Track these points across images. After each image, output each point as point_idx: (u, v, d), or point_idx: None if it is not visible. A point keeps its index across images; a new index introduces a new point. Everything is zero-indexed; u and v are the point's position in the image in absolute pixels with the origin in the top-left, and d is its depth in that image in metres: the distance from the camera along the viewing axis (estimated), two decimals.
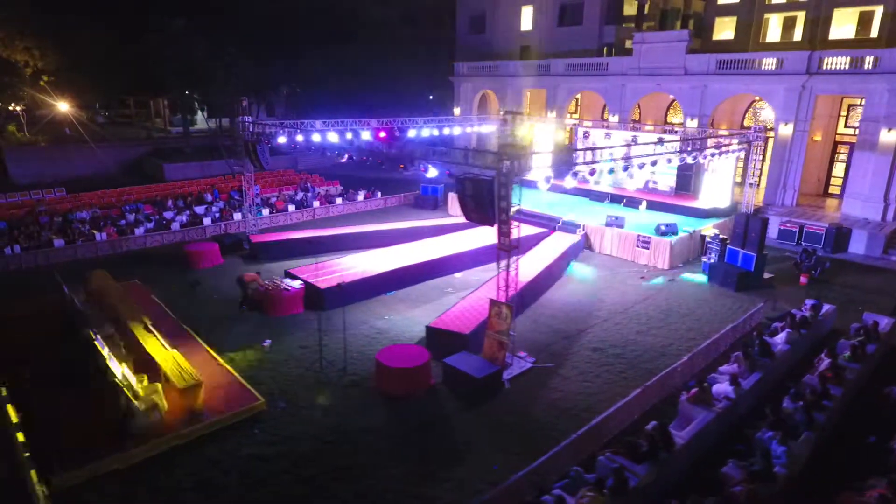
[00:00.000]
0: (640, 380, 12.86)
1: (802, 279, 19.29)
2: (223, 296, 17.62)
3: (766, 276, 19.16)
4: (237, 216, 25.86)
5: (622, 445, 9.26)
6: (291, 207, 27.65)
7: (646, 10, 41.05)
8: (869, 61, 23.44)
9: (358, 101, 42.22)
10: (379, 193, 30.99)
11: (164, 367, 11.40)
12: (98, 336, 12.51)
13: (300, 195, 30.03)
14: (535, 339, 14.87)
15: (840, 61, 24.36)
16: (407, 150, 15.38)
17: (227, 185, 31.89)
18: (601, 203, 26.98)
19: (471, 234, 22.61)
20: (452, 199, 29.05)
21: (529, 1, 40.90)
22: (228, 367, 12.81)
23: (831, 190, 29.36)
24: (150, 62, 33.98)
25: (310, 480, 9.54)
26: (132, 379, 10.98)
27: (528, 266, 18.84)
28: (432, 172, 14.91)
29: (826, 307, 15.12)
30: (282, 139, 22.27)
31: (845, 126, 28.21)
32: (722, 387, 10.97)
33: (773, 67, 26.18)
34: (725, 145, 21.60)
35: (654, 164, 18.42)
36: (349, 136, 22.68)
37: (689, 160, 19.61)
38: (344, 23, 45.21)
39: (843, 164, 28.81)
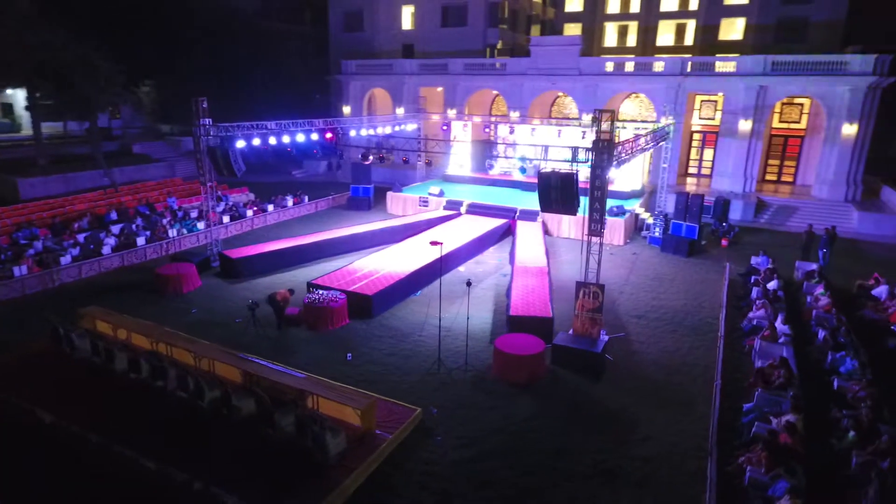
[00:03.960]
0: (695, 335, 15.33)
1: (724, 242, 23.91)
2: (243, 317, 16.00)
3: (702, 242, 23.37)
4: (172, 233, 22.87)
5: (762, 380, 11.41)
6: (226, 219, 25.14)
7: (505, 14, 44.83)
8: (729, 65, 29.44)
9: (235, 98, 39.01)
10: (306, 198, 29.59)
11: (321, 392, 10.53)
12: (197, 376, 10.93)
13: (221, 206, 27.31)
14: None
15: (703, 64, 30.14)
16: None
17: (115, 199, 27.53)
18: (533, 192, 29.42)
19: (448, 228, 23.35)
20: (392, 198, 29.17)
21: (410, 1, 41.88)
22: (348, 386, 12.10)
23: (690, 170, 35.95)
24: None
25: (534, 470, 9.91)
26: (288, 410, 10.00)
27: (530, 251, 20.38)
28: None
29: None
30: (240, 143, 20.48)
31: (699, 118, 34.74)
32: (781, 326, 13.82)
33: (656, 69, 31.21)
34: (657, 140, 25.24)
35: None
36: (302, 136, 21.86)
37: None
38: (201, 17, 41.16)
39: (697, 149, 35.50)
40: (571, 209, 14.10)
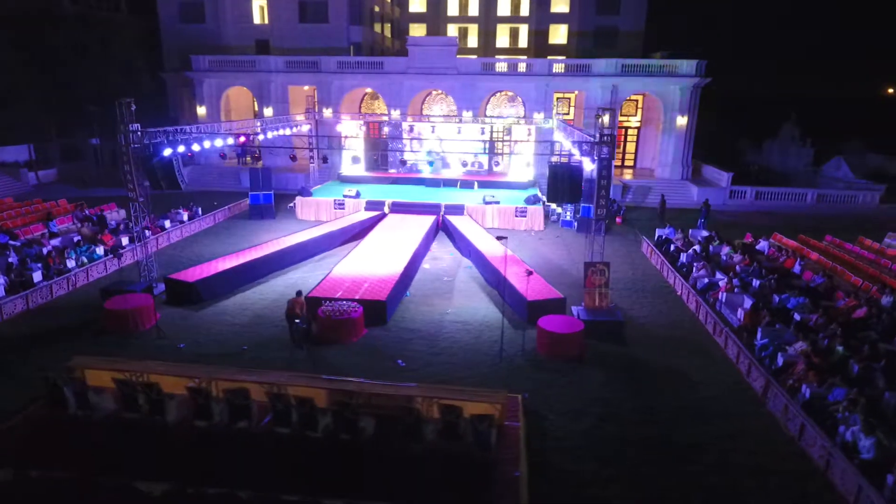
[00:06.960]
0: (661, 297, 18.21)
1: (618, 220, 27.92)
2: (251, 341, 14.53)
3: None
4: (70, 263, 18.98)
5: (758, 322, 14.39)
6: (125, 241, 21.54)
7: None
8: (585, 67, 33.93)
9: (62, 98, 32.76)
10: (200, 210, 26.54)
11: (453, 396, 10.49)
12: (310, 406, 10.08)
13: (121, 227, 23.23)
14: (565, 292, 18.20)
15: (567, 66, 34.29)
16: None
17: None
18: (438, 188, 30.53)
19: (387, 228, 23.31)
20: (301, 203, 27.73)
21: None
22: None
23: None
24: None
25: (647, 423, 11.24)
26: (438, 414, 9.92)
27: (486, 243, 21.55)
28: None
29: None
30: (167, 151, 18.11)
31: (556, 114, 39.13)
32: (734, 280, 17.24)
33: (525, 70, 34.49)
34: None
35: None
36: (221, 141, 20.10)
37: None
38: None
39: None
40: (577, 197, 15.67)
